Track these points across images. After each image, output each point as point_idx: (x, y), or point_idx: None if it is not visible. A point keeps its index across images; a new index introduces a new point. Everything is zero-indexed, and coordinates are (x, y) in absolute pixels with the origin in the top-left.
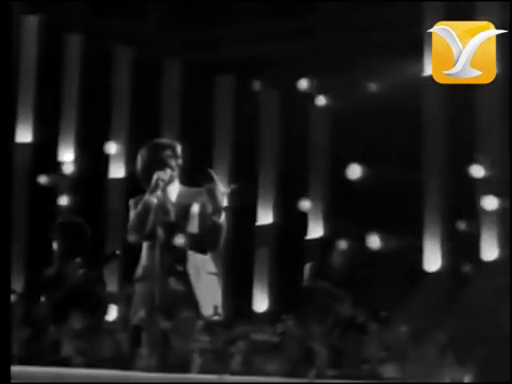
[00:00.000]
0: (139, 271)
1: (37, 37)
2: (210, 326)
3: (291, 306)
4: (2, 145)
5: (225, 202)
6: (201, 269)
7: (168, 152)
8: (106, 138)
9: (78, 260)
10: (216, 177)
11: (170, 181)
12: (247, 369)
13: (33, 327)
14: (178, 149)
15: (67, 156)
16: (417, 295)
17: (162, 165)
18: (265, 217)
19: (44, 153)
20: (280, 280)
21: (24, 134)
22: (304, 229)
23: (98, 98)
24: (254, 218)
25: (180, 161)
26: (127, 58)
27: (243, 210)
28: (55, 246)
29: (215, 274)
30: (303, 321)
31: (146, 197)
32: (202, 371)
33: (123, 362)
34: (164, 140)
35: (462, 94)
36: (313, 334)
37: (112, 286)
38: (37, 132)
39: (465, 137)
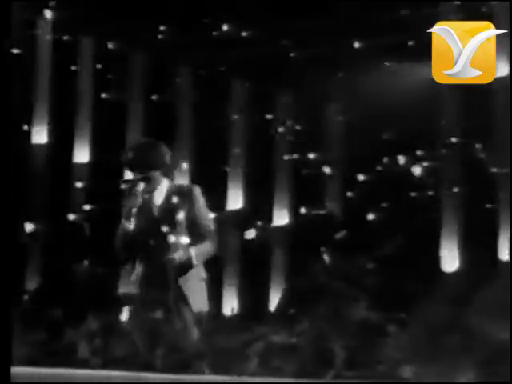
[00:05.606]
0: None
1: (51, 38)
2: (227, 327)
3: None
4: (2, 145)
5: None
6: (191, 275)
7: (153, 152)
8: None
9: (86, 260)
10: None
11: (152, 186)
12: (263, 370)
13: (47, 329)
14: (161, 148)
15: (82, 157)
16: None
17: (131, 168)
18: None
19: (59, 154)
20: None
21: (39, 135)
22: None
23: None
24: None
25: (164, 159)
26: (141, 61)
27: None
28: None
29: (204, 279)
30: (319, 322)
31: (122, 222)
32: (217, 372)
33: (136, 362)
34: (143, 140)
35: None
36: (329, 335)
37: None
38: (52, 133)
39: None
